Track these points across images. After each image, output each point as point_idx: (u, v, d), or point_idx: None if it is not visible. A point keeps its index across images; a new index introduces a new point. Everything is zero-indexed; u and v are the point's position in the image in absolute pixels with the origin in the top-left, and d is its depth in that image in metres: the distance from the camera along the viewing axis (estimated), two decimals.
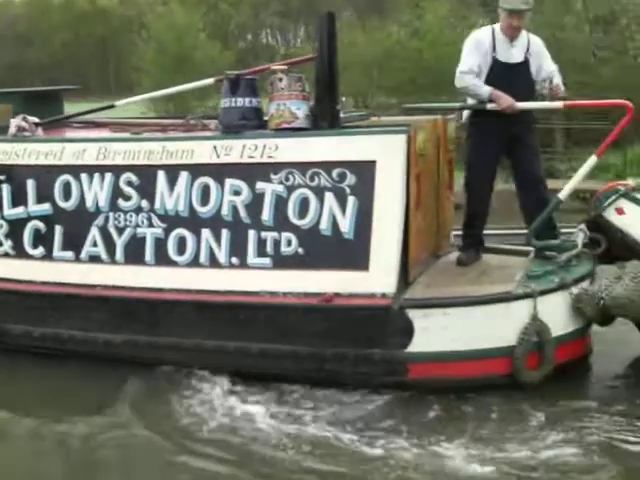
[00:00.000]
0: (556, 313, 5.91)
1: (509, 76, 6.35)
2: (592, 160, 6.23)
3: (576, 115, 16.32)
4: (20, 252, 6.74)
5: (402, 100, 18.52)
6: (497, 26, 6.48)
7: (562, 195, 6.31)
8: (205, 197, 6.26)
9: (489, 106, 6.38)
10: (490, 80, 6.37)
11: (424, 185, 6.47)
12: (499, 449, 5.11)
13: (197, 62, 23.76)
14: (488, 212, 6.73)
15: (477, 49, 6.40)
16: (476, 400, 5.77)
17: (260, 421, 5.52)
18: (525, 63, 6.40)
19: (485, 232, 6.89)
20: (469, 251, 6.71)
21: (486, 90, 6.34)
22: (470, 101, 6.61)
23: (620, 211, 6.26)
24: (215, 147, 6.26)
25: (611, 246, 6.38)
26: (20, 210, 6.74)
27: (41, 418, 5.71)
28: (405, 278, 6.01)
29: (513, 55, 6.41)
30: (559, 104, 6.47)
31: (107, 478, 5.11)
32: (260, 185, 6.13)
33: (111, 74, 64.53)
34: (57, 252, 6.64)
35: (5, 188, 6.78)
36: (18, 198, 6.74)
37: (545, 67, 6.47)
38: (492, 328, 5.78)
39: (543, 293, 5.86)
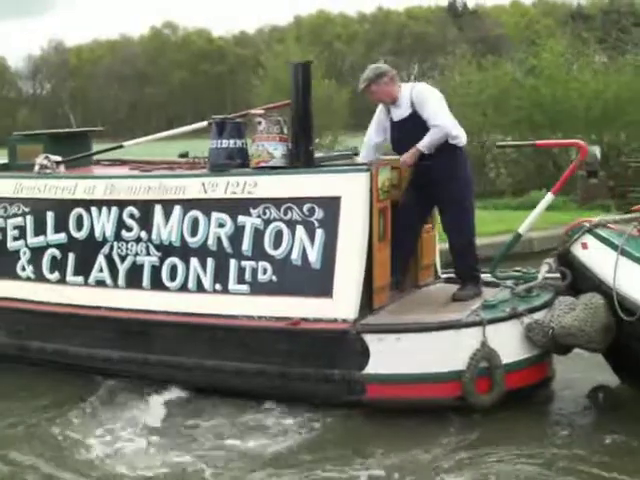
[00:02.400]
0: (506, 341, 6.27)
1: (399, 133, 6.85)
2: (549, 197, 6.65)
3: None
4: (40, 276, 7.57)
5: (518, 138, 18.70)
6: None
7: (521, 230, 6.72)
8: (194, 229, 6.93)
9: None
10: (390, 138, 6.96)
11: None
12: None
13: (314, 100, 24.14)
14: (404, 255, 7.03)
15: (380, 113, 6.98)
16: (429, 422, 6.19)
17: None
18: (412, 116, 6.75)
19: None
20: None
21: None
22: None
23: (584, 246, 6.56)
24: (203, 184, 6.95)
25: (576, 279, 6.68)
26: (41, 239, 7.58)
27: None
28: (369, 305, 6.51)
29: (400, 113, 6.81)
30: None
31: None
32: (241, 218, 6.76)
33: (229, 111, 66.88)
34: (70, 277, 7.43)
35: (29, 219, 7.64)
36: (39, 228, 7.59)
37: (425, 116, 6.71)
38: (442, 353, 6.19)
39: (492, 321, 6.24)
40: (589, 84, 19.22)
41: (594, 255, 6.47)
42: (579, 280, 6.60)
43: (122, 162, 8.70)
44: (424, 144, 6.64)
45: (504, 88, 20.29)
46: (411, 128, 6.72)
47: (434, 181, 6.77)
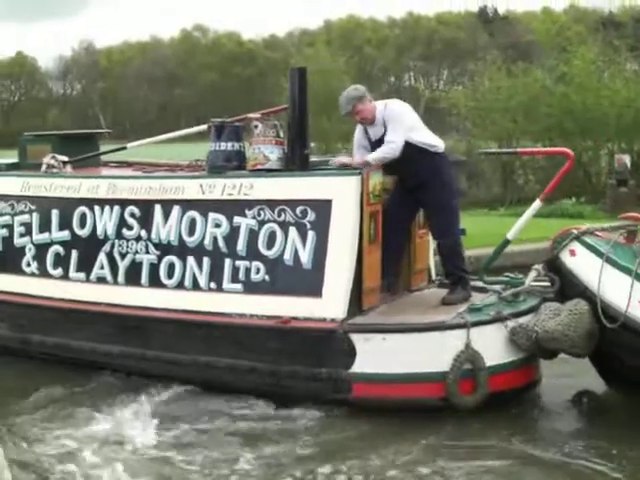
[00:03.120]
0: (490, 343, 6.40)
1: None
2: (536, 204, 6.79)
3: None
4: (43, 272, 7.80)
5: (548, 146, 18.58)
6: None
7: (510, 235, 6.86)
8: (192, 229, 7.13)
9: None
10: None
11: None
12: None
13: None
14: (394, 257, 7.16)
15: (358, 134, 7.12)
16: (413, 422, 6.32)
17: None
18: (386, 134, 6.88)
19: None
20: None
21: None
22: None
23: (572, 253, 6.68)
24: (201, 185, 7.14)
25: (564, 285, 6.79)
26: (45, 236, 7.82)
27: None
28: (359, 306, 6.66)
29: (376, 133, 6.94)
30: None
31: None
32: (236, 219, 6.94)
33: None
34: (72, 273, 7.66)
35: (35, 217, 7.88)
36: (44, 225, 7.82)
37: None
38: (427, 354, 6.34)
39: (477, 324, 6.37)
40: (620, 92, 19.19)
41: (581, 262, 6.59)
42: (567, 286, 6.71)
43: (128, 164, 8.94)
44: (373, 156, 6.79)
45: (534, 95, 20.28)
46: None
47: (420, 185, 6.92)
